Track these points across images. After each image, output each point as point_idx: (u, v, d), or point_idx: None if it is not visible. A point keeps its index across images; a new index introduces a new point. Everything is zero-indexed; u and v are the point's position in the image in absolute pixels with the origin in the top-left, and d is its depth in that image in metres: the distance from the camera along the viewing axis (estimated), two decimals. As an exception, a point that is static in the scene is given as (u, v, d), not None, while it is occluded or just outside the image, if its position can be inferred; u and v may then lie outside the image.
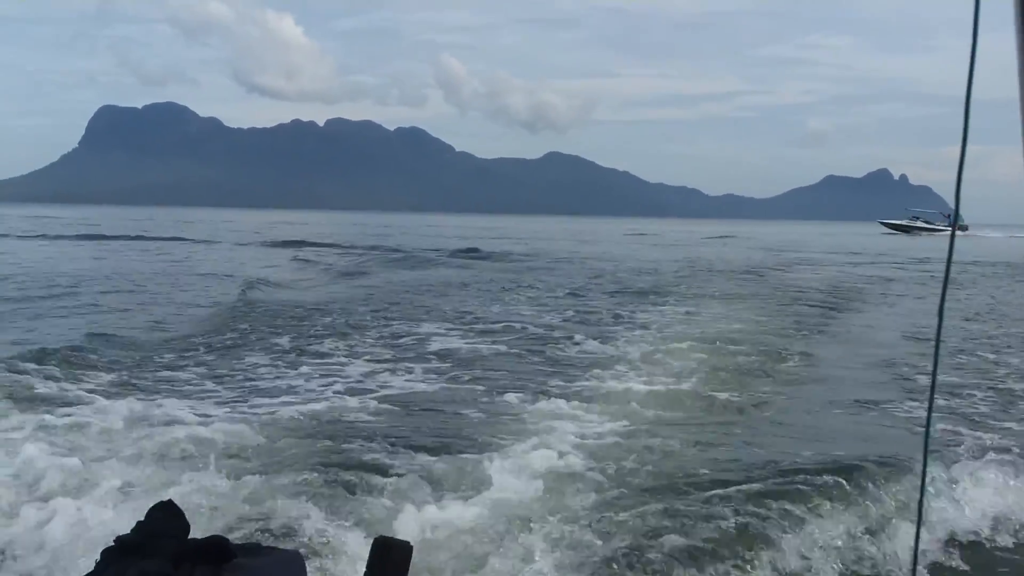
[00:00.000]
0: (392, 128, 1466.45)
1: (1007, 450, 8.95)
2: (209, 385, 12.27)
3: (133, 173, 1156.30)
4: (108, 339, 15.62)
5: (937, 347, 1.95)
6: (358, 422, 10.06)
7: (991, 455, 8.52)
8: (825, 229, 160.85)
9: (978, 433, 10.02)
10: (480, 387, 12.31)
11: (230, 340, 16.21)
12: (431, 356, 14.83)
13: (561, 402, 11.13)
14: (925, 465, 2.27)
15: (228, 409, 10.62)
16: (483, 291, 26.87)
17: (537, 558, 5.98)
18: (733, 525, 6.42)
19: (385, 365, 13.87)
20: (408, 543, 1.80)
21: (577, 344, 16.28)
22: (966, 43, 1.60)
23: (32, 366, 12.14)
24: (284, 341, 16.02)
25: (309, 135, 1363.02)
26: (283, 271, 36.62)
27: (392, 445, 8.85)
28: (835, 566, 6.30)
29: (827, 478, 7.39)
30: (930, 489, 7.13)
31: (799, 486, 7.21)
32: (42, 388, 11.12)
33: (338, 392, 11.81)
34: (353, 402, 11.13)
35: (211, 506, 6.72)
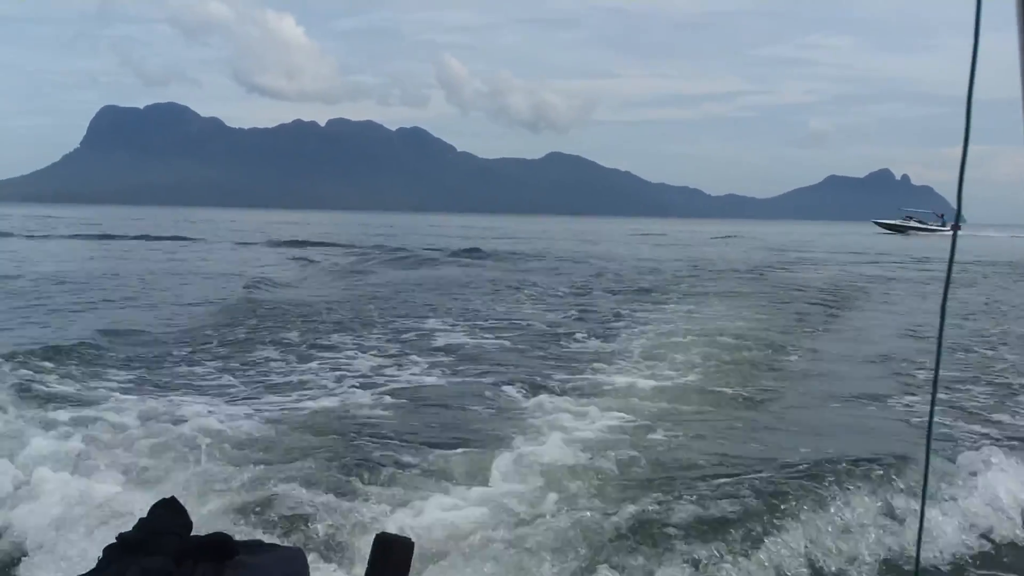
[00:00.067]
0: (394, 128, 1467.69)
1: (1009, 443, 8.99)
2: (217, 380, 12.34)
3: (135, 173, 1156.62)
4: (118, 335, 15.77)
5: (939, 344, 1.96)
6: (363, 417, 10.11)
7: (993, 448, 8.55)
8: (824, 229, 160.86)
9: (980, 427, 10.11)
10: (484, 383, 12.35)
11: (237, 336, 16.27)
12: (436, 351, 14.90)
13: (565, 397, 11.19)
14: (928, 459, 2.27)
15: (234, 403, 10.69)
16: (486, 290, 26.88)
17: (540, 553, 5.98)
18: (735, 519, 6.42)
19: (391, 360, 13.94)
20: (410, 540, 1.80)
21: (581, 340, 16.34)
22: (967, 43, 1.61)
23: (46, 363, 12.23)
24: (292, 336, 16.10)
25: (311, 135, 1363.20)
26: (287, 270, 36.72)
27: (395, 440, 8.89)
28: (838, 559, 6.31)
29: (829, 472, 7.40)
30: (932, 482, 7.14)
31: (801, 480, 7.21)
32: (55, 383, 11.20)
33: (343, 386, 11.88)
34: (358, 397, 11.19)
35: (213, 502, 6.73)
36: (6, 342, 14.53)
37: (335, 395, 11.32)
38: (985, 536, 6.88)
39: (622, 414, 10.24)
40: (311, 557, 5.53)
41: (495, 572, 5.82)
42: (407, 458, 8.17)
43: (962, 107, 1.66)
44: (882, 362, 14.79)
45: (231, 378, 12.50)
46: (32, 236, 60.26)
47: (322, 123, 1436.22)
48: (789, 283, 30.46)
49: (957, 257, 1.82)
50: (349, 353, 14.52)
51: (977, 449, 8.60)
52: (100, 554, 1.61)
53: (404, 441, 8.88)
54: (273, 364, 13.61)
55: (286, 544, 1.85)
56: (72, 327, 17.22)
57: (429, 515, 6.70)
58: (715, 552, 6.03)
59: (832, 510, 6.77)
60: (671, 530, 6.26)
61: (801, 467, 7.79)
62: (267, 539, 5.74)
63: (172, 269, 35.06)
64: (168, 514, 1.64)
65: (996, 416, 10.83)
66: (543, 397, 11.22)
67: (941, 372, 3.03)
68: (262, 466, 7.72)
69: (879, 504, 6.99)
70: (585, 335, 16.91)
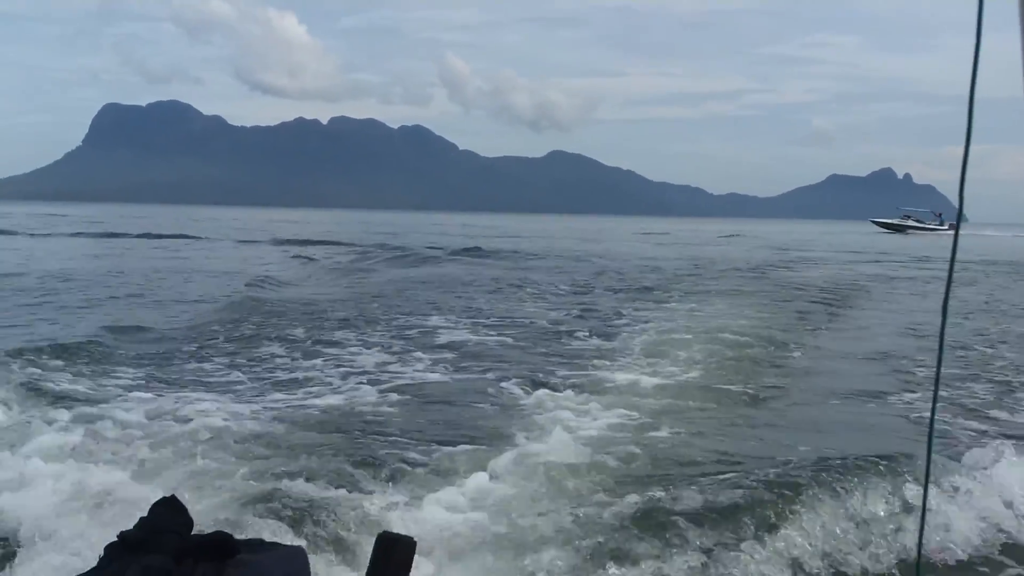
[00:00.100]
0: (396, 126, 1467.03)
1: (1011, 440, 8.99)
2: (223, 377, 12.38)
3: (137, 171, 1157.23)
4: (125, 332, 15.87)
5: (941, 343, 1.96)
6: (366, 414, 10.11)
7: (996, 444, 8.55)
8: (825, 228, 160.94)
9: (981, 424, 10.13)
10: (487, 379, 12.38)
11: (243, 333, 16.33)
12: (439, 348, 14.95)
13: (567, 394, 11.22)
14: (929, 456, 2.27)
15: (239, 400, 10.69)
16: (489, 288, 26.89)
17: (543, 549, 5.98)
18: (736, 516, 6.42)
19: (395, 356, 14.00)
20: (411, 539, 1.80)
21: (583, 338, 16.36)
22: (969, 42, 1.61)
23: (54, 360, 12.30)
24: (297, 333, 16.15)
25: (312, 133, 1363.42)
26: (290, 268, 36.78)
27: (398, 438, 8.90)
28: (839, 556, 6.31)
29: (830, 468, 7.38)
30: (933, 478, 7.14)
31: (802, 476, 7.20)
32: (63, 380, 11.24)
33: (347, 383, 11.90)
34: (362, 393, 11.21)
35: (215, 498, 6.74)
36: (15, 339, 14.63)
37: (340, 392, 11.34)
38: (986, 532, 6.87)
39: (624, 411, 10.27)
40: (312, 556, 5.52)
41: (498, 569, 5.81)
42: (410, 455, 8.17)
43: (964, 106, 1.66)
44: (883, 359, 14.84)
45: (238, 374, 12.55)
46: (35, 234, 60.27)
47: (324, 121, 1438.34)
48: (790, 282, 30.48)
49: (958, 256, 1.82)
50: (353, 349, 14.57)
51: (979, 445, 8.62)
52: (101, 552, 1.61)
53: (407, 438, 8.89)
54: (278, 360, 13.66)
55: (287, 543, 1.85)
56: (80, 324, 17.30)
57: (431, 512, 6.69)
58: (718, 546, 6.04)
59: (834, 506, 6.75)
60: (674, 525, 6.27)
61: (802, 463, 7.80)
62: (268, 537, 5.76)
63: (177, 267, 35.11)
64: (169, 513, 1.65)
65: (997, 413, 10.86)
66: (545, 394, 11.25)
67: (943, 370, 3.03)
68: (264, 462, 7.73)
69: (880, 500, 6.97)
70: (587, 333, 16.93)
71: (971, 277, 34.09)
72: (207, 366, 13.15)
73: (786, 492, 6.84)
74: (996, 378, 13.17)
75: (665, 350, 14.69)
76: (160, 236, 61.03)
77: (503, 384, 11.95)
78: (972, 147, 1.66)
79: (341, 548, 6.04)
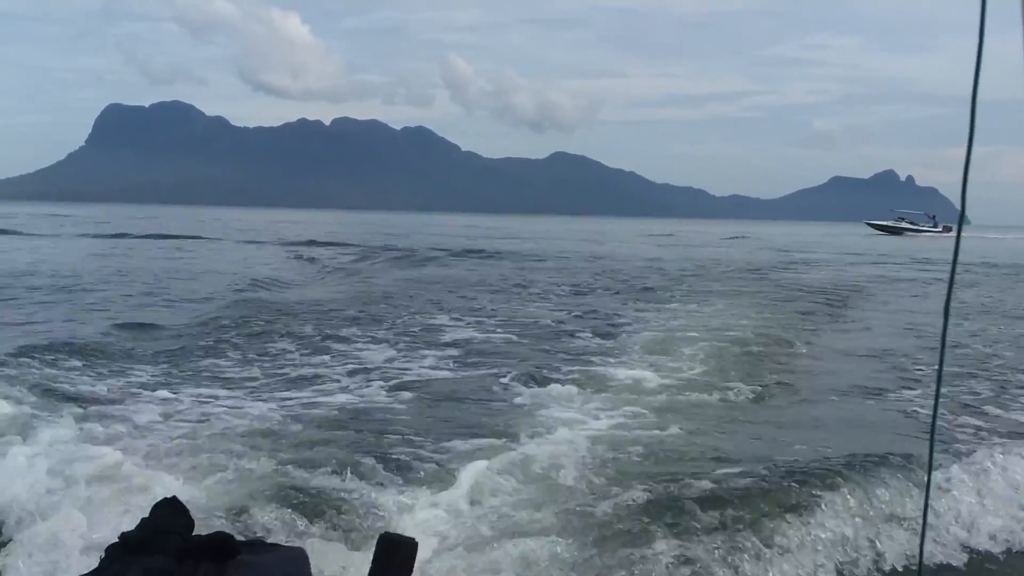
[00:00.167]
0: (399, 127, 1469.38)
1: (1012, 439, 9.02)
2: (234, 374, 12.48)
3: (140, 171, 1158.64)
4: (136, 330, 16.11)
5: (943, 343, 1.95)
6: (372, 412, 10.14)
7: (997, 444, 8.58)
8: (826, 230, 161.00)
9: (983, 423, 10.17)
10: (491, 377, 12.43)
11: (253, 330, 16.41)
12: (445, 346, 15.05)
13: (571, 391, 11.28)
14: (931, 456, 2.27)
15: (246, 398, 10.77)
16: (492, 288, 26.97)
17: (548, 547, 5.97)
18: (736, 515, 6.42)
19: (401, 353, 14.12)
20: (413, 540, 1.80)
21: (586, 338, 16.42)
22: (972, 43, 1.61)
23: (69, 358, 12.41)
24: (306, 330, 16.25)
25: (315, 134, 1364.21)
26: (295, 268, 36.87)
27: (402, 437, 8.87)
28: (841, 556, 6.31)
29: (832, 469, 7.39)
30: (935, 476, 7.13)
31: (804, 477, 7.20)
32: (73, 377, 11.35)
33: (354, 380, 12.00)
34: (368, 391, 11.29)
35: (217, 497, 6.73)
36: (30, 337, 14.72)
37: (348, 390, 11.41)
38: (988, 531, 6.88)
39: (629, 408, 10.34)
40: (313, 557, 5.52)
41: (501, 569, 5.81)
42: (413, 455, 8.14)
43: (966, 107, 1.66)
44: (885, 359, 14.91)
45: (250, 371, 12.68)
46: (41, 235, 60.35)
47: (327, 122, 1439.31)
48: (792, 283, 30.50)
49: (959, 258, 1.82)
50: (360, 346, 14.72)
51: (981, 445, 8.64)
52: (102, 553, 1.61)
53: (410, 438, 8.87)
54: (288, 356, 13.81)
55: (288, 543, 1.85)
56: (94, 322, 17.45)
57: (434, 512, 6.69)
58: (721, 543, 6.05)
59: (834, 505, 6.76)
60: (677, 523, 6.28)
61: (804, 461, 7.84)
62: (269, 538, 5.76)
63: (184, 266, 35.19)
64: (170, 513, 1.65)
65: (998, 412, 10.90)
66: (549, 391, 11.31)
67: (944, 369, 3.04)
68: (272, 459, 7.71)
69: (882, 498, 6.98)
70: (590, 332, 17.02)
71: (972, 279, 34.07)
72: (221, 362, 13.30)
73: (788, 491, 6.86)
74: (995, 377, 13.24)
75: (668, 349, 14.78)
76: (165, 236, 61.04)
77: (508, 382, 12.02)
78: (975, 149, 1.66)
79: (342, 549, 6.03)
